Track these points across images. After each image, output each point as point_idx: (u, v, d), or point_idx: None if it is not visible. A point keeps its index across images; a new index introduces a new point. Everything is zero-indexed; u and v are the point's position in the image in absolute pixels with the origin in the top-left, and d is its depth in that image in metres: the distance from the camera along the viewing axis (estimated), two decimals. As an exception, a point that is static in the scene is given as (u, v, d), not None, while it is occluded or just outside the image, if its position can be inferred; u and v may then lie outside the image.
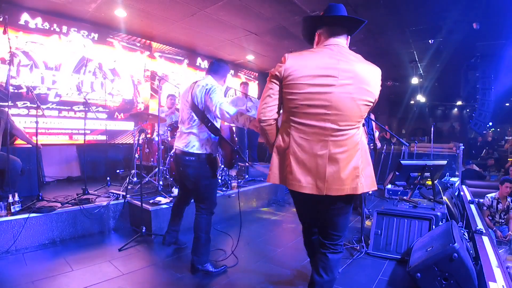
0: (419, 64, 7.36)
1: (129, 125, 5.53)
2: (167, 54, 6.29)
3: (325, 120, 1.34)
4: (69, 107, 4.80)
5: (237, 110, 2.06)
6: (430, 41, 5.58)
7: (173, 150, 2.37)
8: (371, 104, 1.42)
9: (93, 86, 5.08)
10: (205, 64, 7.10)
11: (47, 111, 4.44)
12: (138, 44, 5.75)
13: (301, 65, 1.33)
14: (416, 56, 6.73)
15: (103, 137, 5.17)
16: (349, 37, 1.48)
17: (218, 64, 2.31)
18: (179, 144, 2.24)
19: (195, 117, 2.16)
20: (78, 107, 4.86)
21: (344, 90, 1.32)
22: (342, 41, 1.43)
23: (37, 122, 3.26)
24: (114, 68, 5.38)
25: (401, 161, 2.90)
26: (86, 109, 4.05)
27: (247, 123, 1.97)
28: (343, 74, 1.32)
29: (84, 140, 3.77)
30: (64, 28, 4.73)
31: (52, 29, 4.61)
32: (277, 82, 1.39)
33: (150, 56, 5.95)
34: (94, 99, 5.08)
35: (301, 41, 6.40)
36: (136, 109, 5.67)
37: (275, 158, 1.47)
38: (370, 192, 5.23)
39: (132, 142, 5.23)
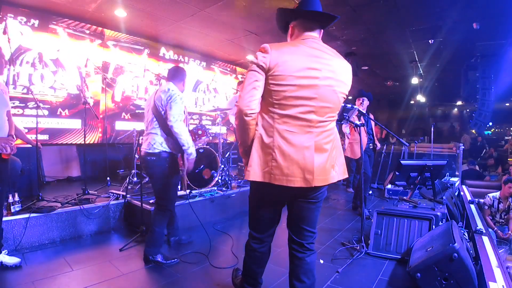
0: (419, 64, 7.35)
1: (75, 123, 4.87)
2: (123, 43, 5.51)
3: (310, 112, 1.35)
4: None
5: (188, 135, 2.35)
6: (430, 41, 5.58)
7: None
8: (346, 97, 1.48)
9: (32, 79, 4.42)
10: (170, 54, 6.32)
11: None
12: (88, 32, 5.01)
13: (288, 57, 1.31)
14: (416, 56, 6.73)
15: (43, 137, 4.50)
16: (322, 31, 1.48)
17: (176, 69, 2.56)
18: (144, 146, 2.45)
19: (156, 120, 2.38)
20: (14, 103, 4.20)
21: (327, 83, 1.35)
22: (316, 35, 1.44)
23: (37, 122, 3.27)
24: (58, 59, 4.67)
25: (401, 161, 2.90)
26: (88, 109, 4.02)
27: (193, 155, 2.38)
28: (325, 68, 1.35)
29: (84, 140, 3.77)
30: (-3, 14, 4.02)
31: (-18, 15, 3.90)
32: (262, 73, 1.33)
33: (102, 45, 5.21)
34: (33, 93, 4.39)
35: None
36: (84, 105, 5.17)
37: (255, 154, 1.38)
38: (370, 192, 5.24)
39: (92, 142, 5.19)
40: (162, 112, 2.32)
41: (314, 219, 1.53)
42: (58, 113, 4.71)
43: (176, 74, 2.51)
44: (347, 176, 1.56)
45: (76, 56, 4.88)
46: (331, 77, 1.36)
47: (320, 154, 1.38)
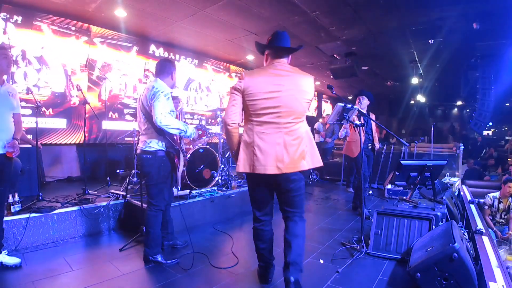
0: (419, 64, 7.36)
1: (60, 123, 4.75)
2: (110, 40, 5.36)
3: (278, 116, 1.78)
4: None
5: (182, 123, 2.33)
6: (430, 41, 5.58)
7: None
8: (310, 101, 1.88)
9: (14, 77, 4.26)
10: (160, 51, 6.18)
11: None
12: (73, 28, 4.86)
13: (256, 80, 1.80)
14: (416, 56, 6.73)
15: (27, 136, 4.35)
16: (290, 56, 1.94)
17: (161, 64, 2.46)
18: (140, 145, 2.44)
19: (146, 119, 2.36)
20: None
21: (289, 93, 1.79)
22: (284, 59, 1.89)
23: (37, 122, 3.27)
24: (42, 56, 4.53)
25: (401, 161, 2.90)
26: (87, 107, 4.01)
27: (194, 133, 2.44)
28: (287, 82, 1.80)
29: (85, 140, 3.76)
30: (-23, 11, 3.91)
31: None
32: (239, 94, 1.81)
33: (88, 42, 5.05)
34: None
35: (301, 42, 6.45)
36: (70, 104, 4.89)
37: (241, 152, 1.85)
38: (370, 192, 5.24)
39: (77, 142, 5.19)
40: (151, 112, 2.28)
41: (295, 203, 1.90)
42: (42, 112, 4.54)
43: (161, 69, 2.43)
44: (321, 164, 1.92)
45: (61, 54, 4.73)
46: (292, 88, 1.80)
47: (289, 147, 1.79)
